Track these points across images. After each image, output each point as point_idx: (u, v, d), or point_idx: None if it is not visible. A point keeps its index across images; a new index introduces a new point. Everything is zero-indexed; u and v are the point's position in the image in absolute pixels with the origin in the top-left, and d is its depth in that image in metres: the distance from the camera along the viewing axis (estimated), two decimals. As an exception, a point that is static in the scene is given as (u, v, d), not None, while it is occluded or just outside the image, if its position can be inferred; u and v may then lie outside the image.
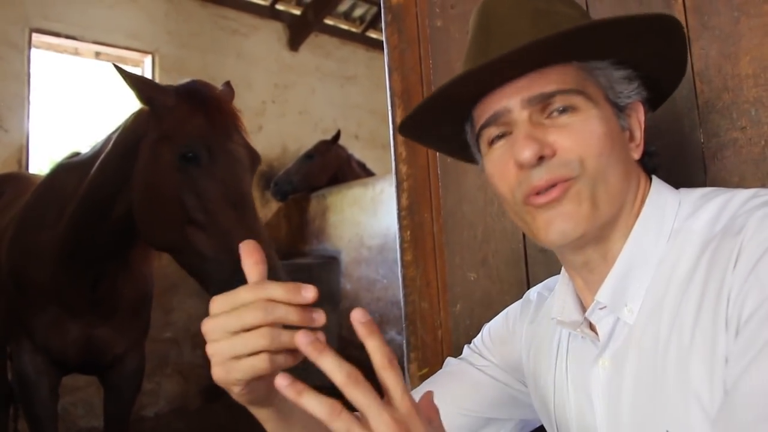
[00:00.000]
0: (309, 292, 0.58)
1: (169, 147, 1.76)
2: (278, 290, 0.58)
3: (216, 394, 4.76)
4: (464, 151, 0.89)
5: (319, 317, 0.59)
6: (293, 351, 0.61)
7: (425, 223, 1.40)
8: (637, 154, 0.79)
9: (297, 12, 6.84)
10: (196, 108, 1.81)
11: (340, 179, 5.27)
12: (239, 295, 0.60)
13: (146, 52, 5.76)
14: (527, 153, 0.72)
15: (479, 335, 1.05)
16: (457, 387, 0.98)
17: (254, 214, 1.79)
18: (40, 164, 4.96)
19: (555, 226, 0.74)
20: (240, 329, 0.59)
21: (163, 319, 4.64)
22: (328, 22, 7.16)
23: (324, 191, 5.08)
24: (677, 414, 0.67)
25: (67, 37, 5.28)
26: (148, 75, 5.79)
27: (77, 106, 5.61)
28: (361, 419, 0.53)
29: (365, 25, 7.51)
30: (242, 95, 6.14)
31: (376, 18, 7.20)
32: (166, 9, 5.88)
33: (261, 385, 0.65)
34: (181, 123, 1.78)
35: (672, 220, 0.76)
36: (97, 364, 2.31)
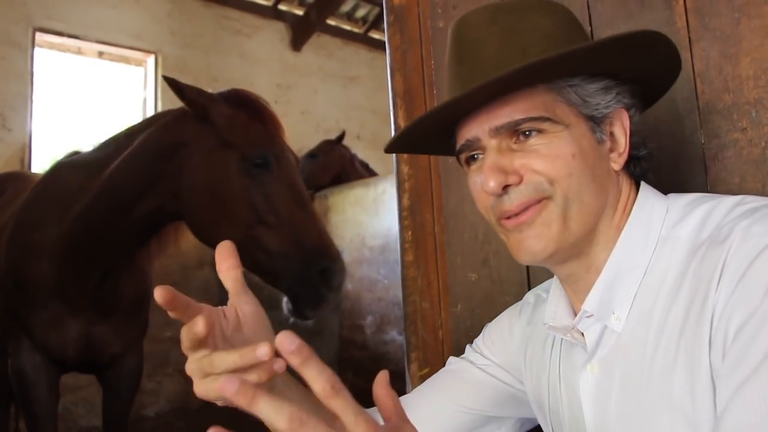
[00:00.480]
0: (262, 351, 0.52)
1: (235, 154, 1.90)
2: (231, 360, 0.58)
3: (217, 393, 4.77)
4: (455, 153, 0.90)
5: (263, 353, 0.52)
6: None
7: (426, 224, 1.40)
8: (618, 164, 0.78)
9: (300, 12, 6.85)
10: (251, 116, 1.97)
11: (343, 179, 5.26)
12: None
13: (149, 52, 5.77)
14: (491, 184, 0.74)
15: (480, 335, 1.06)
16: (458, 385, 1.00)
17: (314, 211, 2.01)
18: (43, 163, 4.96)
19: (524, 246, 0.76)
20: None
21: (163, 318, 4.57)
22: (331, 22, 7.17)
23: (326, 191, 5.08)
24: (662, 424, 0.68)
25: (70, 36, 5.29)
26: (151, 75, 5.80)
27: (80, 105, 5.61)
28: None
29: (368, 25, 7.52)
30: (244, 95, 6.17)
31: (379, 18, 7.21)
32: (169, 9, 5.89)
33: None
34: (243, 131, 1.93)
35: (659, 227, 0.76)
36: (95, 362, 2.31)
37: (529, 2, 0.80)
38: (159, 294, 0.60)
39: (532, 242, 0.75)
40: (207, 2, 6.14)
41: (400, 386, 1.40)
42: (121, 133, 2.19)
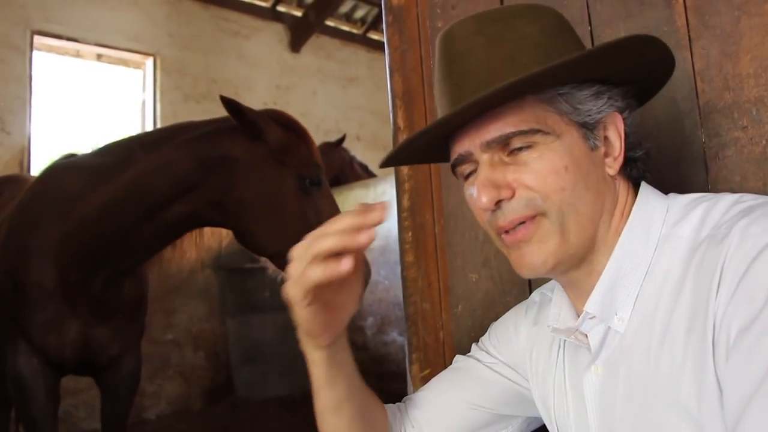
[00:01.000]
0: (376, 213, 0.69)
1: (291, 172, 2.11)
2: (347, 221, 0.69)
3: (218, 395, 4.77)
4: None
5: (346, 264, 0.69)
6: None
7: (426, 224, 1.40)
8: (614, 169, 0.78)
9: (298, 13, 6.86)
10: (298, 137, 2.18)
11: (342, 181, 5.26)
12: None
13: (148, 54, 5.77)
14: (484, 200, 0.74)
15: (486, 334, 1.06)
16: (468, 382, 1.00)
17: None
18: (42, 166, 4.96)
19: (524, 262, 0.76)
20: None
21: (164, 320, 4.65)
22: (330, 23, 7.17)
23: (325, 193, 5.07)
24: (669, 424, 0.68)
25: (69, 39, 5.30)
26: (150, 77, 5.80)
27: (79, 108, 5.61)
28: None
29: (366, 26, 7.52)
30: (243, 97, 6.15)
31: (378, 19, 7.21)
32: (168, 11, 5.89)
33: (322, 312, 0.75)
34: (295, 151, 2.14)
35: (660, 226, 0.76)
36: (93, 364, 2.31)
37: (516, 9, 0.79)
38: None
39: (532, 258, 0.75)
40: (205, 4, 6.15)
41: (401, 387, 1.41)
42: (126, 139, 2.25)
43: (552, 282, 0.99)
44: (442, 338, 1.36)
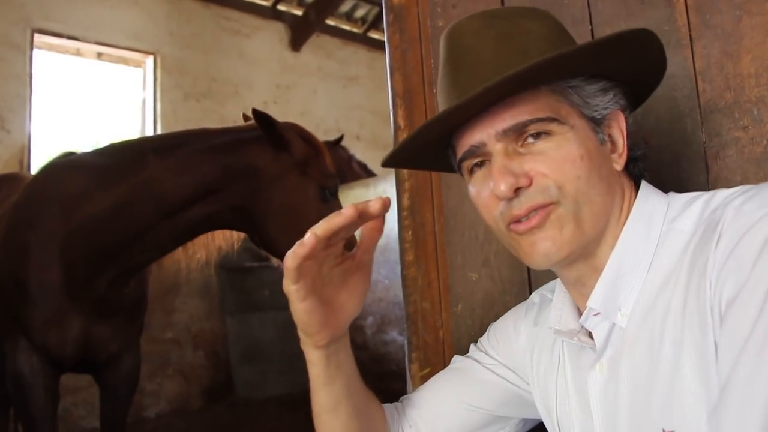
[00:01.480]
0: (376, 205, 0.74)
1: (314, 183, 2.25)
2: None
3: (218, 394, 4.77)
4: (451, 169, 0.89)
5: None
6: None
7: (426, 224, 1.40)
8: (620, 164, 0.79)
9: (299, 12, 6.85)
10: (318, 150, 2.32)
11: (340, 180, 5.25)
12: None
13: (148, 53, 5.77)
14: (503, 187, 0.73)
15: (485, 335, 1.06)
16: (466, 383, 1.00)
17: None
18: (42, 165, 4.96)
19: (538, 248, 0.75)
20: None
21: (164, 319, 4.65)
22: (330, 22, 7.17)
23: (325, 192, 5.06)
24: (672, 411, 0.68)
25: (69, 37, 5.29)
26: (150, 76, 5.80)
27: (79, 106, 5.61)
28: None
29: (367, 25, 7.52)
30: (244, 96, 6.18)
31: (378, 18, 7.21)
32: (168, 10, 5.88)
33: (319, 310, 0.78)
34: (316, 163, 2.28)
35: (661, 223, 0.76)
36: (93, 362, 2.31)
37: (519, 10, 0.80)
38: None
39: (546, 244, 0.74)
40: (206, 3, 6.14)
41: (400, 386, 1.41)
42: (135, 142, 2.33)
43: (552, 283, 0.99)
44: (442, 337, 1.36)
